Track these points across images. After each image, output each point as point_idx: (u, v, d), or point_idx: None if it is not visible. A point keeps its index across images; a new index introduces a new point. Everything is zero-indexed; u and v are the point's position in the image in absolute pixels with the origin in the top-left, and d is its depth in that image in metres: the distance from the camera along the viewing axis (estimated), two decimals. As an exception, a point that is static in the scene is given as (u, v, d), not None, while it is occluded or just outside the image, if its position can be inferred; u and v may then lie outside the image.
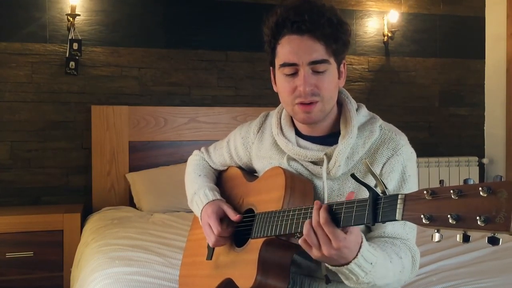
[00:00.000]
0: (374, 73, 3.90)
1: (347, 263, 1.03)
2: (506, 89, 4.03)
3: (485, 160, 4.10)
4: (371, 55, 3.88)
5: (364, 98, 3.75)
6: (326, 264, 1.09)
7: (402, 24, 3.94)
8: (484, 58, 4.17)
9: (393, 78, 3.95)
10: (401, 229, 1.24)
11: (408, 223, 1.25)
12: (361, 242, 1.04)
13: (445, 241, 2.27)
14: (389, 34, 3.86)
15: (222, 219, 1.38)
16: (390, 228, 1.24)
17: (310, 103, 1.25)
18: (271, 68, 1.34)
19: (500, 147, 4.08)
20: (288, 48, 1.24)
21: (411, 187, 1.27)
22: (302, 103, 1.25)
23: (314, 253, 1.04)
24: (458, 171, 3.93)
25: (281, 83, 1.29)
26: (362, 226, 1.29)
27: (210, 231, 1.37)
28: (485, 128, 4.19)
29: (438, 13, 4.05)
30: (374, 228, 1.27)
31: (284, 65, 1.25)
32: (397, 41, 3.93)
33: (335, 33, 1.23)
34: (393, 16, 3.84)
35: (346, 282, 1.10)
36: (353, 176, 1.02)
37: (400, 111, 3.92)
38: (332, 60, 1.25)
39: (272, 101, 3.75)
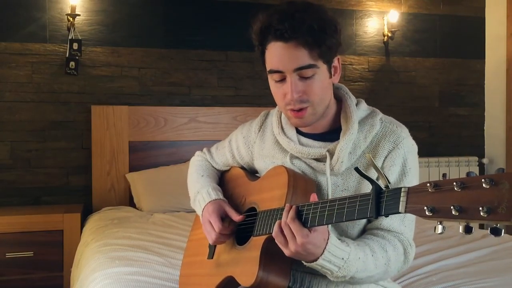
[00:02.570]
0: (374, 73, 3.90)
1: (316, 259, 1.10)
2: (506, 89, 4.03)
3: (485, 160, 4.10)
4: (371, 55, 3.88)
5: (364, 98, 3.68)
6: (303, 262, 1.14)
7: (402, 24, 3.94)
8: (484, 58, 4.17)
9: (393, 78, 3.95)
10: (398, 222, 1.26)
11: (407, 217, 1.27)
12: (327, 239, 1.10)
13: (445, 241, 2.28)
14: (389, 34, 3.86)
15: (223, 218, 1.39)
16: (387, 220, 1.26)
17: (300, 110, 1.25)
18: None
19: (500, 147, 4.09)
20: (273, 55, 1.24)
21: (411, 180, 1.28)
22: (292, 110, 1.26)
23: (285, 251, 1.11)
24: (458, 171, 3.93)
25: (272, 88, 1.31)
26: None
27: (210, 228, 1.38)
28: (485, 128, 4.19)
29: (438, 13, 4.05)
30: (372, 219, 1.28)
31: (271, 71, 1.26)
32: (397, 41, 3.94)
33: (317, 39, 1.20)
34: (393, 16, 3.84)
35: (327, 276, 1.15)
36: (356, 169, 1.05)
37: (400, 111, 3.92)
38: (320, 63, 1.24)
39: (272, 101, 3.73)
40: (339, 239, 1.15)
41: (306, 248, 1.07)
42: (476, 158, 4.04)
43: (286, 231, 1.09)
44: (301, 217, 1.10)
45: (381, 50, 3.91)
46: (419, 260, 1.99)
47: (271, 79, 1.28)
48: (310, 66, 1.22)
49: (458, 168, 3.94)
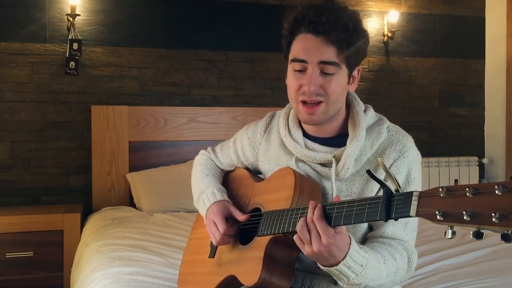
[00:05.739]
0: (374, 73, 3.89)
1: (337, 264, 1.07)
2: (506, 89, 4.03)
3: (485, 160, 4.10)
4: (371, 55, 3.88)
5: (364, 98, 3.71)
6: (318, 264, 1.11)
7: (402, 24, 3.94)
8: (484, 58, 4.17)
9: (393, 78, 3.95)
10: (401, 230, 1.26)
11: (409, 225, 1.27)
12: (350, 244, 1.07)
13: (445, 241, 2.28)
14: (389, 34, 3.86)
15: (228, 219, 1.39)
16: (390, 228, 1.25)
17: (314, 105, 1.25)
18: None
19: (500, 147, 4.08)
20: (301, 45, 1.26)
21: (415, 189, 1.27)
22: (305, 103, 1.26)
23: (306, 249, 1.07)
24: (458, 171, 3.93)
25: (289, 78, 1.31)
26: (364, 226, 1.30)
27: (215, 229, 1.38)
28: (485, 128, 4.19)
29: (438, 13, 4.05)
30: (375, 227, 1.29)
31: (294, 60, 1.27)
32: (397, 41, 3.94)
33: (349, 39, 1.23)
34: (393, 16, 3.84)
35: (339, 282, 1.13)
36: (368, 172, 1.04)
37: (400, 111, 3.92)
38: (343, 66, 1.26)
39: (272, 101, 3.75)
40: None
41: (330, 250, 1.05)
42: (476, 158, 4.04)
43: (311, 229, 1.06)
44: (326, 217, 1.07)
45: (381, 50, 3.91)
46: (419, 260, 1.97)
47: (291, 68, 1.29)
48: (333, 64, 1.24)
49: (458, 168, 3.94)
